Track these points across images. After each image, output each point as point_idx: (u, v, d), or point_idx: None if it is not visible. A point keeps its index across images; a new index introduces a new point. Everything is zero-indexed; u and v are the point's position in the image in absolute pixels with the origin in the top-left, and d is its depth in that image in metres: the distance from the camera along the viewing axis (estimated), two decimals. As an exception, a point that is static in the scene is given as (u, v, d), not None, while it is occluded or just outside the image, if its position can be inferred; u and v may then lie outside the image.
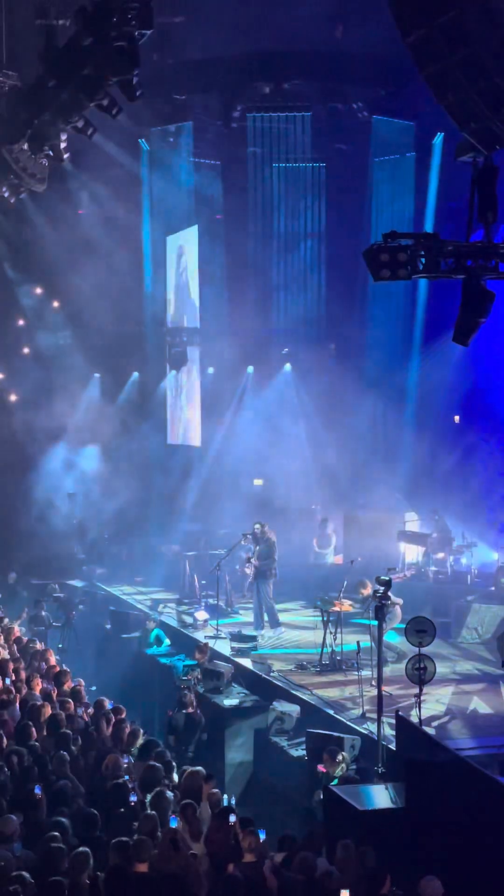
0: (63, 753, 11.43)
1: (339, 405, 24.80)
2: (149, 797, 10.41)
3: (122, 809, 10.22)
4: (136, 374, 28.40)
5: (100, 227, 25.70)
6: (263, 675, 15.83)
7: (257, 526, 18.92)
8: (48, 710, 12.93)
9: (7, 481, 26.52)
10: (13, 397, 28.16)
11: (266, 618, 18.78)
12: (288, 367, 26.54)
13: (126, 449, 26.90)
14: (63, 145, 14.42)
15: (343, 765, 11.93)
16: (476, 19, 9.27)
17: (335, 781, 11.62)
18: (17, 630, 18.47)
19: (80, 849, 8.79)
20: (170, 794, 10.45)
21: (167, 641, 18.82)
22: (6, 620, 18.80)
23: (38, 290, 27.66)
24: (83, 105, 12.97)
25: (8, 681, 14.21)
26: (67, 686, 14.41)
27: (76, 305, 26.70)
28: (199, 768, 11.28)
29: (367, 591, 15.95)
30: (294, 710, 14.19)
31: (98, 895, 8.28)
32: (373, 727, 12.41)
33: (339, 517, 23.49)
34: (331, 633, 15.96)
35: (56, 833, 9.22)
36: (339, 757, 11.94)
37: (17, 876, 8.24)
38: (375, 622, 12.83)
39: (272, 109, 24.32)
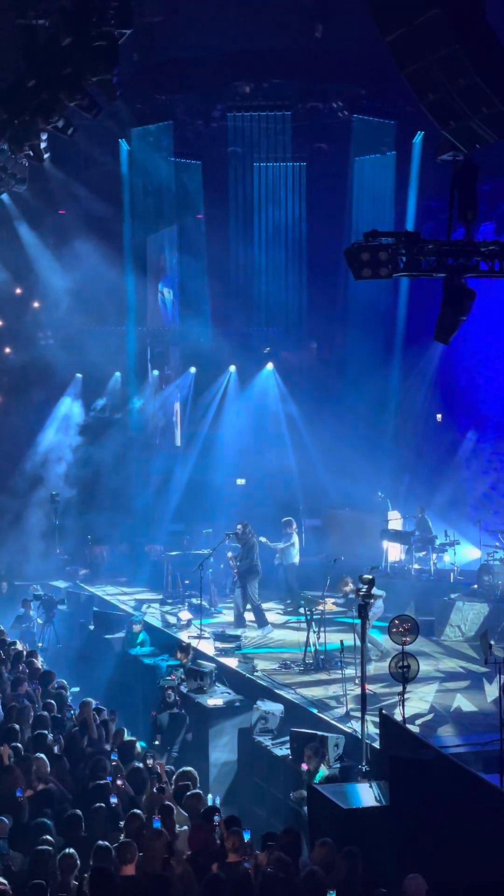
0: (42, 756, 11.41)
1: (321, 404, 24.82)
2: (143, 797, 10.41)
3: (104, 811, 10.19)
4: (117, 374, 28.33)
5: (80, 227, 25.62)
6: (247, 675, 15.82)
7: (239, 526, 18.97)
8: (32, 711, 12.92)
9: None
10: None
11: (253, 617, 18.77)
12: (270, 366, 26.56)
13: (108, 449, 26.81)
14: (43, 145, 14.38)
15: (326, 761, 11.90)
16: (456, 18, 9.28)
17: (317, 778, 11.62)
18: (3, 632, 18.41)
19: (67, 850, 8.77)
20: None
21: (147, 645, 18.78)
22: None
23: (18, 291, 27.55)
24: (63, 105, 12.92)
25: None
26: (52, 687, 14.39)
27: (57, 305, 26.61)
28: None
29: (349, 587, 15.97)
30: (278, 709, 14.17)
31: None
32: (357, 725, 12.39)
33: (322, 516, 23.51)
34: (314, 631, 15.96)
35: (39, 835, 9.19)
36: (313, 756, 11.86)
37: None
38: (358, 620, 12.83)
39: (252, 109, 24.30)
